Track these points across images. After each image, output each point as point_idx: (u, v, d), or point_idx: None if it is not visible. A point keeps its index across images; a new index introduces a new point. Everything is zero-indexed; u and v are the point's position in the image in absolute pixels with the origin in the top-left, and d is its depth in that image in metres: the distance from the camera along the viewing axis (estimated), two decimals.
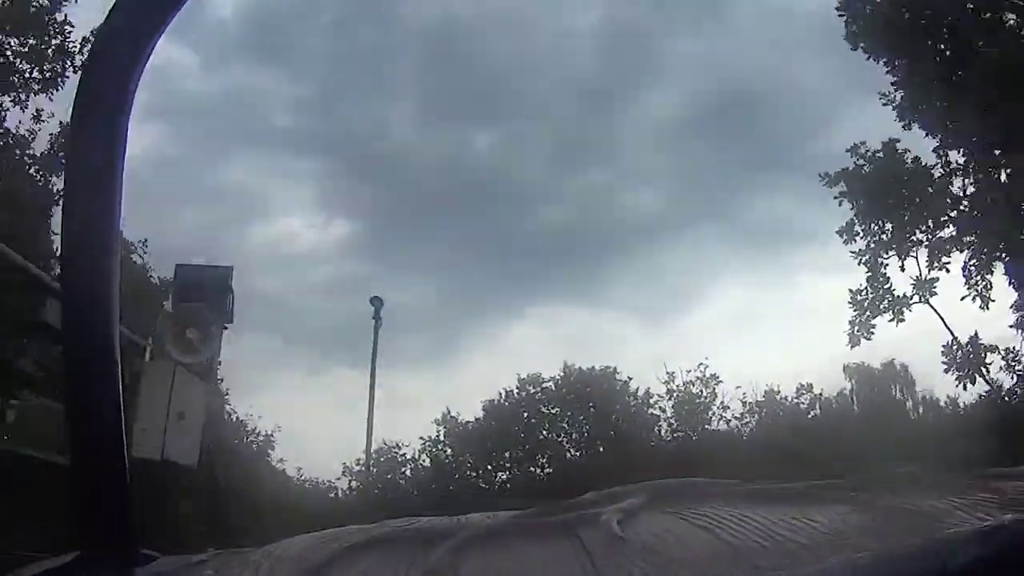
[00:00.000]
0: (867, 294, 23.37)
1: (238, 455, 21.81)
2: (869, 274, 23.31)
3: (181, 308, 14.85)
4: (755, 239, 37.11)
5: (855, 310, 23.34)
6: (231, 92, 33.94)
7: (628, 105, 36.59)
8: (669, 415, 27.64)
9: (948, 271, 22.87)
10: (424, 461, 28.35)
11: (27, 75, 21.00)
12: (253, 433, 23.56)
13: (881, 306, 23.05)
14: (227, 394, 22.37)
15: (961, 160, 22.66)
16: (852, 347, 23.57)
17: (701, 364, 27.98)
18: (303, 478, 26.46)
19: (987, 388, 24.17)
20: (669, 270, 36.63)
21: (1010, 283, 22.30)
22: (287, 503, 21.96)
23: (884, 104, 22.30)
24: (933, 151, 22.42)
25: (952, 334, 22.66)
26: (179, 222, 31.15)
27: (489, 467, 28.33)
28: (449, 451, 28.51)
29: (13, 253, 13.71)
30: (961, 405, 27.34)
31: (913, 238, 23.17)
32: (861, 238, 23.32)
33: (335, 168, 35.86)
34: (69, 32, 21.04)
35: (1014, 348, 23.07)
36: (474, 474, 28.30)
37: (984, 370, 22.82)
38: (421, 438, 28.35)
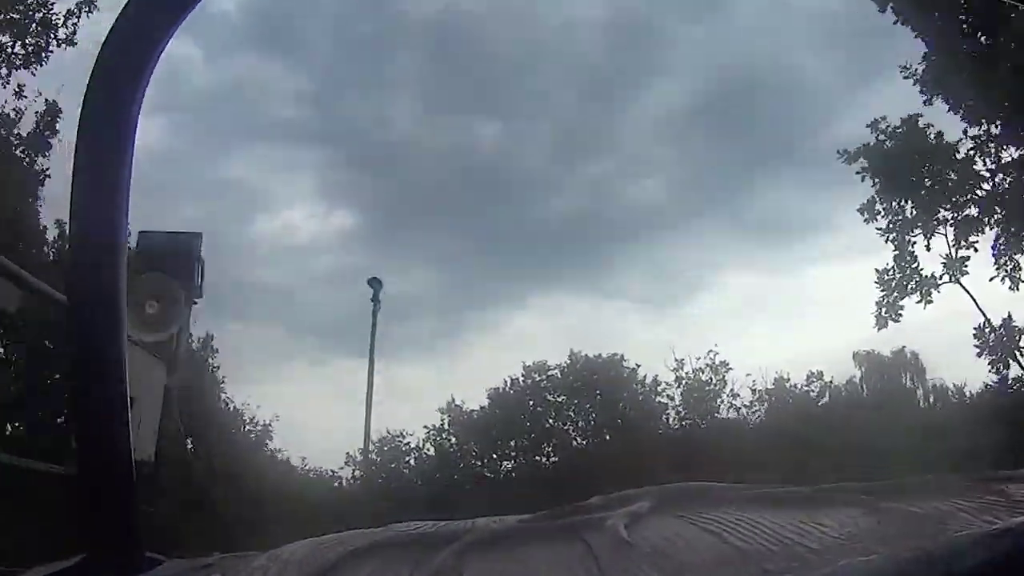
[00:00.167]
0: (894, 273, 22.52)
1: (234, 444, 21.79)
2: (896, 252, 22.37)
3: (139, 279, 13.08)
4: (760, 229, 36.92)
5: (882, 290, 22.47)
6: (232, 84, 33.89)
7: (632, 95, 36.58)
8: (677, 403, 27.77)
9: (976, 250, 21.94)
10: (428, 450, 28.13)
11: (8, 49, 20.78)
12: (252, 422, 23.52)
13: (908, 287, 22.19)
14: (223, 382, 22.43)
15: (988, 134, 21.71)
16: (879, 329, 22.67)
17: (711, 351, 27.84)
18: (306, 468, 26.54)
19: (997, 378, 24.00)
20: (673, 260, 36.54)
21: None
22: (286, 493, 21.95)
23: (906, 77, 21.17)
24: (962, 119, 21.40)
25: (984, 316, 21.86)
26: (180, 214, 31.10)
27: (494, 456, 28.10)
28: (453, 440, 28.24)
29: None
30: (967, 394, 27.47)
31: (938, 216, 22.31)
32: (882, 216, 22.49)
33: (337, 159, 35.84)
34: (52, 3, 20.86)
35: None
36: (479, 463, 28.03)
37: (1017, 354, 22.08)
38: (425, 427, 28.14)
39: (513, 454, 28.43)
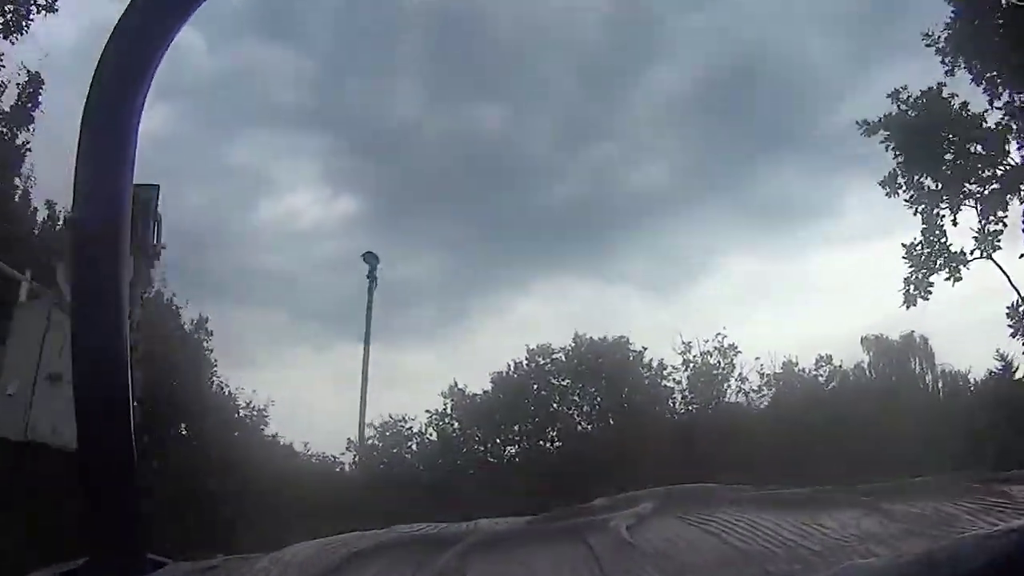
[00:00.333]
0: (923, 248, 21.65)
1: (228, 428, 21.73)
2: (924, 226, 21.58)
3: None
4: (763, 215, 37.17)
5: (911, 266, 21.58)
6: (235, 71, 34.05)
7: (635, 80, 36.69)
8: (684, 387, 27.84)
9: (1005, 225, 21.26)
10: (431, 435, 28.24)
11: None
12: (248, 407, 23.49)
13: (937, 263, 21.36)
14: (215, 365, 22.37)
15: (1015, 105, 21.10)
16: (908, 307, 21.92)
17: (718, 334, 27.95)
18: (309, 453, 26.60)
19: (1000, 365, 23.88)
20: (677, 245, 36.75)
21: None
22: (283, 478, 21.99)
23: (928, 46, 21.04)
24: (984, 90, 20.94)
25: (1019, 293, 21.13)
26: (185, 199, 31.26)
27: (497, 441, 28.15)
28: (456, 424, 28.31)
29: None
30: (972, 380, 27.59)
31: (965, 190, 21.66)
32: (904, 191, 21.93)
33: (340, 144, 36.11)
34: None
35: None
36: (482, 448, 28.11)
37: None
38: (427, 411, 28.30)
39: (517, 439, 28.42)
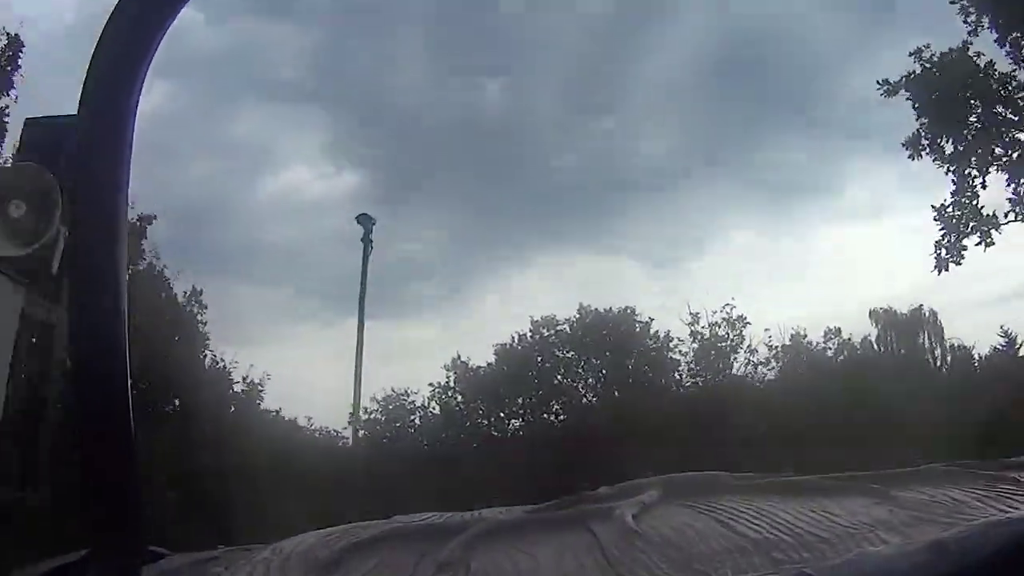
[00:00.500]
0: (954, 209, 20.82)
1: (223, 403, 21.64)
2: (954, 187, 20.77)
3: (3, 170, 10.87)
4: (768, 188, 37.28)
5: (942, 228, 20.82)
6: (236, 45, 34.01)
7: (638, 51, 36.60)
8: (690, 359, 27.87)
9: None
10: (434, 409, 28.00)
11: None
12: (245, 382, 23.38)
13: (971, 225, 20.51)
14: (208, 339, 22.24)
15: None
16: (940, 273, 21.18)
17: (727, 305, 27.44)
18: (312, 427, 26.62)
19: (1005, 341, 23.81)
20: (681, 218, 36.75)
21: None
22: (280, 452, 21.98)
23: (952, 2, 20.15)
24: (1007, 53, 20.18)
25: None
26: (187, 176, 31.38)
27: (501, 414, 27.92)
28: (459, 398, 27.99)
29: None
30: (976, 357, 27.68)
31: (994, 152, 20.89)
32: (927, 153, 21.17)
33: (343, 118, 36.07)
34: None
35: None
36: (485, 422, 27.90)
37: None
38: (430, 384, 27.83)
39: (521, 412, 28.40)
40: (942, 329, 28.90)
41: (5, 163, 20.05)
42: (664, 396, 26.80)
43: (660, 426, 24.62)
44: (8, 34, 20.20)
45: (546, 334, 28.60)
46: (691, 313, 27.78)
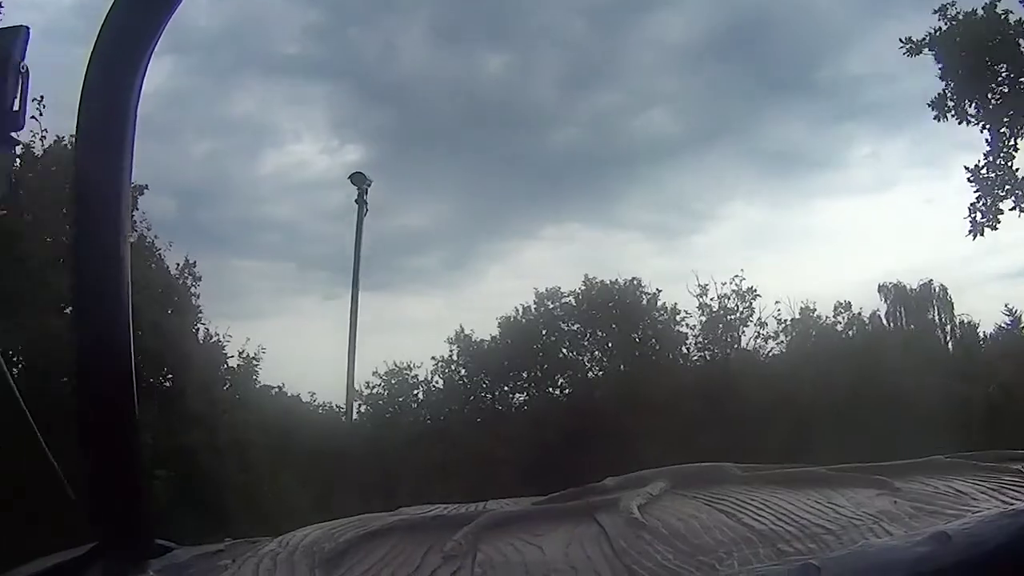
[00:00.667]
0: (988, 171, 19.99)
1: (216, 377, 21.48)
2: (988, 147, 19.80)
3: None
4: (771, 162, 37.44)
5: (977, 190, 20.05)
6: (237, 21, 33.98)
7: (641, 25, 36.56)
8: (697, 332, 27.86)
9: None
10: (437, 383, 28.24)
11: None
12: (241, 356, 23.25)
13: (1005, 188, 19.58)
14: (200, 311, 22.07)
15: None
16: (974, 238, 19.99)
17: (736, 276, 27.62)
18: (315, 403, 26.65)
19: (1010, 319, 23.81)
20: (685, 191, 37.02)
21: None
22: (278, 426, 21.97)
23: None
24: None
25: None
26: (189, 152, 31.52)
27: (505, 388, 28.29)
28: (463, 372, 28.21)
29: None
30: (982, 334, 27.87)
31: None
32: (953, 115, 20.22)
33: (347, 93, 36.25)
34: None
35: None
36: (489, 396, 28.21)
37: None
38: (433, 358, 28.16)
39: (525, 386, 28.35)
40: (952, 304, 28.93)
41: None
42: (672, 371, 26.85)
43: (667, 401, 24.70)
44: None
45: (551, 306, 28.49)
46: (699, 284, 27.73)
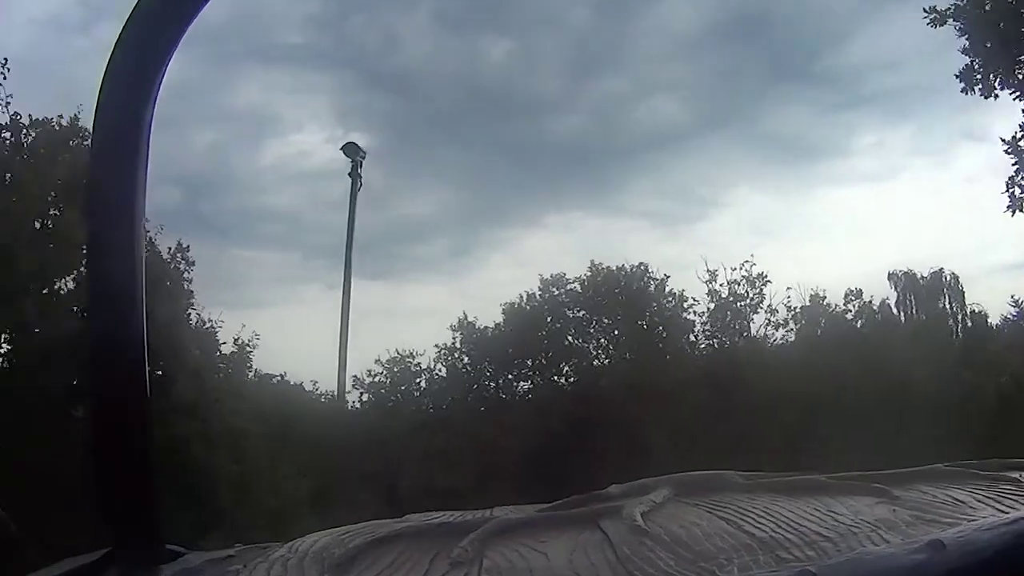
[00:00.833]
0: None
1: (210, 364, 21.42)
2: None
3: None
4: (776, 149, 37.53)
5: (1016, 162, 19.42)
6: (240, 10, 34.12)
7: (645, 11, 36.63)
8: (705, 320, 27.67)
9: None
10: (440, 371, 28.09)
11: None
12: (236, 343, 23.14)
13: None
14: (192, 296, 22.01)
15: None
16: (1013, 213, 19.35)
17: (746, 262, 27.65)
18: (317, 392, 26.69)
19: (1016, 311, 23.80)
20: (689, 179, 37.18)
21: None
22: (275, 415, 22.01)
23: None
24: None
25: None
26: (194, 142, 31.73)
27: (509, 376, 28.17)
28: (466, 360, 28.09)
29: None
30: (990, 325, 27.91)
31: None
32: (980, 89, 19.67)
33: (349, 82, 36.47)
34: None
35: None
36: (493, 384, 28.18)
37: None
38: (436, 346, 28.01)
39: (529, 374, 28.28)
40: (964, 294, 28.94)
41: None
42: (679, 359, 26.87)
43: (674, 390, 24.77)
44: None
45: (556, 293, 28.35)
46: (709, 270, 27.70)
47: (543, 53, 36.22)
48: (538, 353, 28.15)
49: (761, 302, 27.60)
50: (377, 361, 27.63)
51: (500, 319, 28.32)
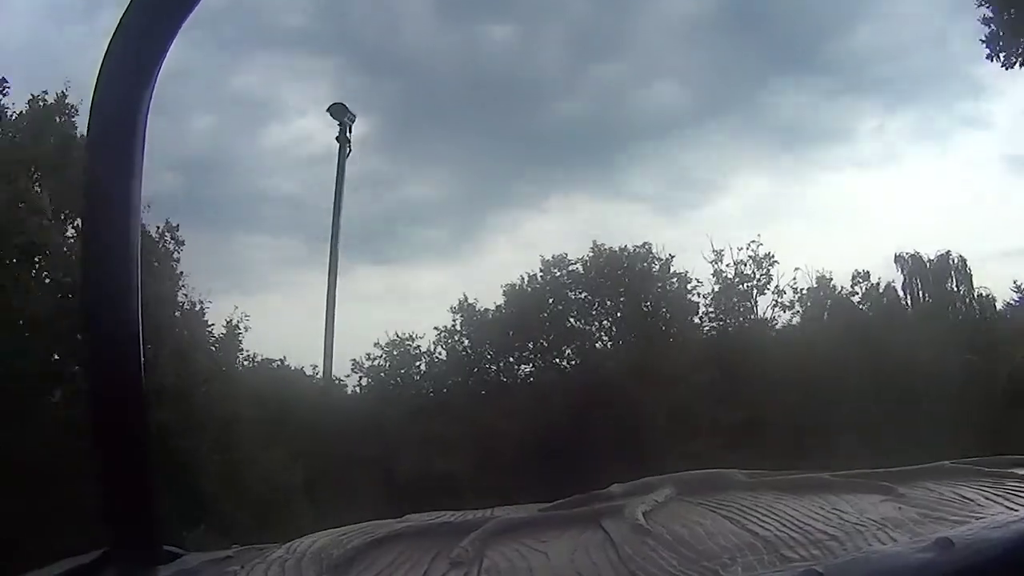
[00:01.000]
0: None
1: (195, 347, 21.32)
2: None
3: None
4: (776, 134, 37.77)
5: None
6: None
7: None
8: (709, 301, 27.54)
9: None
10: (440, 354, 28.10)
11: None
12: (228, 325, 23.00)
13: None
14: (182, 275, 21.88)
15: None
16: None
17: (753, 242, 27.56)
18: (317, 375, 26.63)
19: (1018, 296, 23.85)
20: (691, 164, 37.39)
21: None
22: (266, 396, 22.03)
23: None
24: None
25: None
26: (194, 127, 31.85)
27: (510, 359, 28.17)
28: (466, 342, 28.06)
29: None
30: (997, 307, 27.97)
31: None
32: (1005, 56, 19.68)
33: (351, 66, 36.60)
34: None
35: None
36: (494, 367, 28.14)
37: None
38: (435, 328, 28.00)
39: (530, 357, 28.24)
40: (971, 276, 28.94)
41: None
42: (683, 342, 26.84)
43: (678, 373, 24.76)
44: None
45: (557, 274, 28.23)
46: (715, 251, 27.63)
47: (544, 37, 36.44)
48: (539, 336, 28.10)
49: (768, 283, 27.54)
50: (376, 344, 27.62)
51: (501, 301, 28.27)
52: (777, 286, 27.48)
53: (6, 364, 17.37)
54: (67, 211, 20.33)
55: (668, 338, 26.86)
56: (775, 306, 27.65)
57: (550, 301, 28.25)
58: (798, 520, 2.17)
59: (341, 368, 27.19)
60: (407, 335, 27.90)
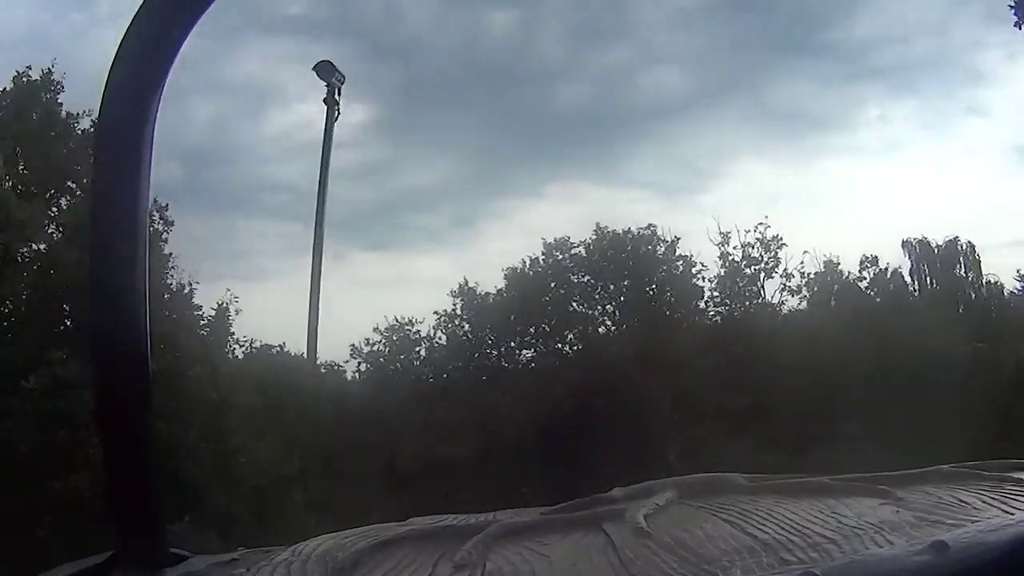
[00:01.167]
0: None
1: (190, 330, 21.22)
2: None
3: None
4: (779, 121, 37.86)
5: None
6: None
7: None
8: (714, 285, 27.48)
9: None
10: (440, 339, 27.89)
11: None
12: (220, 308, 22.90)
13: None
14: (172, 256, 21.75)
15: None
16: None
17: (761, 224, 27.34)
18: (319, 363, 26.72)
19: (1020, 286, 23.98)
20: (691, 150, 37.51)
21: None
22: (266, 385, 22.12)
23: None
24: None
25: None
26: (196, 114, 31.97)
27: (511, 344, 28.03)
28: (467, 327, 27.85)
29: None
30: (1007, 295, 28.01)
31: None
32: None
33: (351, 52, 36.70)
34: None
35: None
36: (495, 352, 27.99)
37: None
38: (435, 313, 27.78)
39: (532, 342, 28.13)
40: (980, 263, 28.92)
41: None
42: (688, 325, 26.83)
43: (682, 358, 24.74)
44: None
45: (560, 257, 28.03)
46: (721, 233, 27.49)
47: (546, 22, 36.61)
48: (541, 320, 27.94)
49: (776, 266, 27.41)
50: (375, 329, 27.53)
51: (502, 285, 28.11)
52: (785, 269, 27.36)
53: None
54: (52, 190, 20.49)
55: (672, 323, 26.78)
56: (783, 290, 27.57)
57: (552, 285, 28.03)
58: (797, 523, 2.23)
59: (339, 354, 27.28)
60: (407, 320, 27.74)
